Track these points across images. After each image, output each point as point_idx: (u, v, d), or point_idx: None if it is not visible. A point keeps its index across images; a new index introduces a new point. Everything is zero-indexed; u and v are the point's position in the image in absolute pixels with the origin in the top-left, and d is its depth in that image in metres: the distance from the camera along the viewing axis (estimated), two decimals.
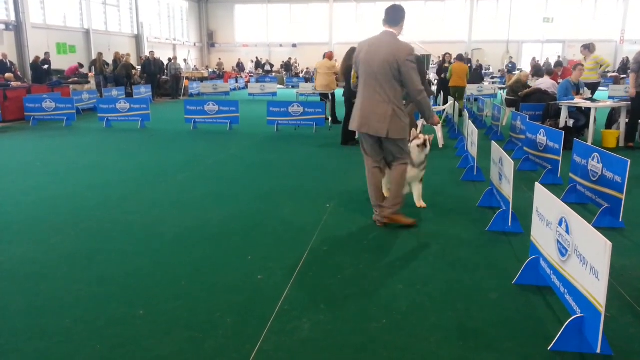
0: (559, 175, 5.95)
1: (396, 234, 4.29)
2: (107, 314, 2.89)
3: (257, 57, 34.66)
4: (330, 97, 11.85)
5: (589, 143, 6.74)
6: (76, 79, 17.31)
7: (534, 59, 28.78)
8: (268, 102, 11.40)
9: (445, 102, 13.14)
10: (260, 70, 32.73)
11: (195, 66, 32.58)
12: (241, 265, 3.61)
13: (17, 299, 3.08)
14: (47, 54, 18.41)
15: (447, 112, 11.11)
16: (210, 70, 30.51)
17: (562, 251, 2.78)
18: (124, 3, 28.51)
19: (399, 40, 4.10)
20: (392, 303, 3.04)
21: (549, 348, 2.52)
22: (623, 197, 4.27)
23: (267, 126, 11.03)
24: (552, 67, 16.58)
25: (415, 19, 34.28)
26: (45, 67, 17.80)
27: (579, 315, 2.49)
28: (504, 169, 4.46)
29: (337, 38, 34.76)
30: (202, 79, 25.17)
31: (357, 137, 6.27)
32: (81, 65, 19.41)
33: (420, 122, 8.99)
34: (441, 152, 8.32)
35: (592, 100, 9.17)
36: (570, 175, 5.35)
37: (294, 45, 36.64)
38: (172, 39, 33.82)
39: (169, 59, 21.78)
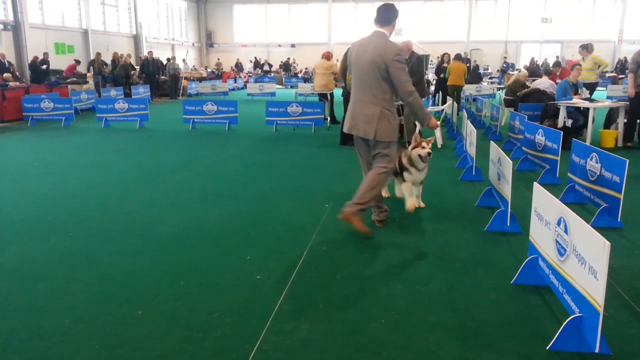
0: (557, 175, 5.95)
1: (395, 234, 4.29)
2: (107, 314, 2.89)
3: (255, 57, 34.66)
4: (328, 97, 11.86)
5: (588, 143, 6.76)
6: (74, 79, 17.29)
7: (532, 59, 28.85)
8: (267, 102, 11.39)
9: (444, 102, 13.16)
10: (259, 70, 32.72)
11: (194, 66, 32.56)
12: (240, 265, 3.61)
13: (16, 299, 3.08)
14: (45, 54, 18.38)
15: (445, 112, 11.11)
16: (208, 70, 30.49)
17: (561, 251, 2.78)
18: (122, 3, 28.49)
19: (387, 40, 3.98)
20: (392, 303, 3.04)
21: (547, 348, 2.52)
22: (621, 196, 4.28)
23: (266, 126, 11.03)
24: (551, 67, 16.60)
25: (414, 19, 34.35)
26: (44, 67, 17.77)
27: (578, 314, 2.50)
28: (502, 169, 4.46)
29: (335, 38, 34.77)
30: (201, 79, 25.16)
31: None
32: (78, 62, 19.38)
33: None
34: (440, 152, 8.33)
35: (590, 100, 9.18)
36: (569, 175, 5.36)
37: (293, 46, 36.65)
38: (171, 39, 33.79)
39: (168, 59, 21.77)
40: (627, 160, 4.22)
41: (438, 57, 17.67)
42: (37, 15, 21.85)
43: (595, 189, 4.76)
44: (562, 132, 6.01)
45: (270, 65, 33.73)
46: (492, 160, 5.02)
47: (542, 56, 31.70)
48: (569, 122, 8.89)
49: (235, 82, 27.10)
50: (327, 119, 11.68)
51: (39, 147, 9.04)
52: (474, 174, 6.23)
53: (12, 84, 13.87)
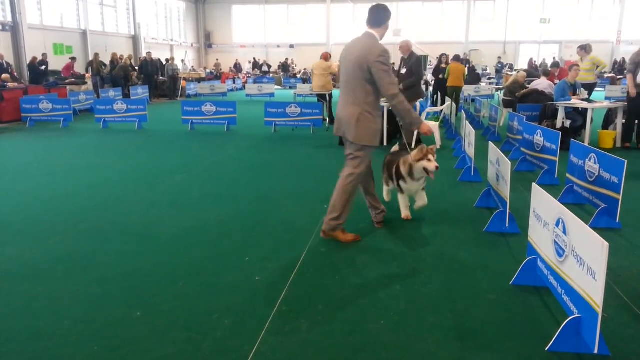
0: (556, 176, 5.96)
1: (394, 235, 4.29)
2: (106, 314, 2.89)
3: (254, 58, 34.66)
4: (327, 97, 11.86)
5: (586, 144, 6.77)
6: (73, 79, 17.28)
7: (531, 59, 28.89)
8: (265, 103, 11.40)
9: (442, 102, 13.17)
10: (258, 71, 32.71)
11: (192, 67, 32.55)
12: (239, 266, 3.61)
13: (15, 300, 3.07)
14: (44, 54, 18.37)
15: (444, 113, 11.12)
16: (207, 71, 30.48)
17: (560, 252, 2.79)
18: (121, 4, 28.47)
19: (373, 41, 3.88)
20: (391, 303, 3.04)
21: (546, 348, 2.52)
22: (620, 197, 4.29)
23: (265, 127, 11.03)
24: (549, 67, 16.62)
25: (413, 20, 34.37)
26: (43, 68, 17.76)
27: (577, 315, 2.50)
28: (501, 170, 4.47)
29: (334, 39, 34.78)
30: (200, 80, 25.15)
31: None
32: (74, 59, 19.42)
33: None
34: (439, 153, 8.27)
35: (588, 100, 9.20)
36: (567, 175, 5.37)
37: (292, 46, 36.67)
38: (170, 40, 33.78)
39: (167, 60, 21.76)
40: (626, 161, 4.23)
41: (437, 58, 17.69)
42: (35, 15, 21.82)
43: (593, 189, 4.76)
44: (560, 132, 6.02)
45: (269, 66, 33.74)
46: (491, 161, 5.02)
47: (541, 57, 31.75)
48: (568, 123, 8.91)
49: (234, 82, 27.11)
50: (325, 119, 11.69)
51: (37, 148, 9.03)
52: (472, 174, 6.24)
53: (10, 84, 13.86)
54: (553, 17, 32.81)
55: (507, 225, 4.30)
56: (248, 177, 6.64)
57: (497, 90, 17.36)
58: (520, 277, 3.30)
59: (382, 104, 8.96)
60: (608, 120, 9.60)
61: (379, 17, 3.94)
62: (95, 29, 26.04)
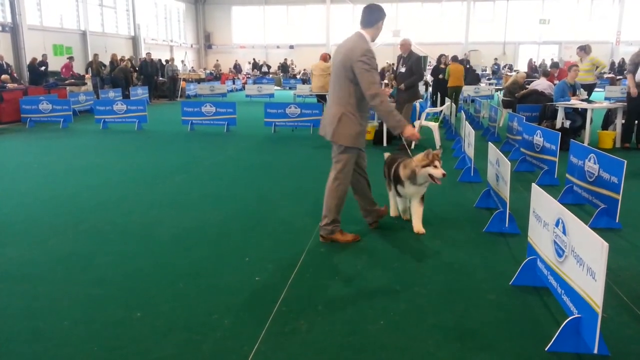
0: (555, 176, 5.96)
1: (394, 236, 4.29)
2: (106, 315, 2.89)
3: (254, 59, 34.66)
4: (327, 98, 11.85)
5: (586, 144, 6.77)
6: (73, 80, 17.28)
7: (530, 60, 28.90)
8: (265, 104, 11.41)
9: (442, 103, 13.18)
10: (258, 72, 32.72)
11: (192, 67, 32.56)
12: (239, 267, 3.61)
13: (14, 301, 3.07)
14: (44, 55, 18.37)
15: (444, 114, 11.12)
16: (207, 71, 30.48)
17: (559, 252, 2.79)
18: (120, 4, 28.47)
19: (359, 41, 3.81)
20: (390, 304, 3.04)
21: (546, 349, 2.52)
22: (619, 197, 4.29)
23: (265, 127, 11.03)
24: (548, 68, 16.63)
25: (412, 21, 34.39)
26: (42, 68, 17.76)
27: (576, 315, 2.50)
28: (500, 170, 4.47)
29: (334, 39, 34.75)
30: (199, 81, 25.15)
31: None
32: (71, 58, 19.47)
33: (418, 123, 9.01)
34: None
35: (588, 101, 9.20)
36: (567, 176, 5.37)
37: (291, 47, 36.67)
38: (169, 41, 33.79)
39: (166, 61, 21.77)
40: (625, 161, 4.23)
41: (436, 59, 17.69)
42: (35, 16, 21.82)
43: (593, 190, 4.77)
44: (560, 133, 6.02)
45: (269, 67, 33.74)
46: (491, 162, 5.02)
47: (540, 57, 31.77)
48: (567, 123, 8.91)
49: (234, 83, 27.11)
50: None
51: (37, 148, 9.03)
52: (472, 175, 6.24)
53: (10, 85, 13.85)
54: (552, 17, 32.83)
55: (506, 225, 4.30)
56: (248, 177, 6.64)
57: (497, 90, 17.37)
58: (520, 278, 3.30)
59: None
60: (607, 120, 9.61)
61: (370, 17, 3.89)
62: (95, 29, 26.03)
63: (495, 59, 30.63)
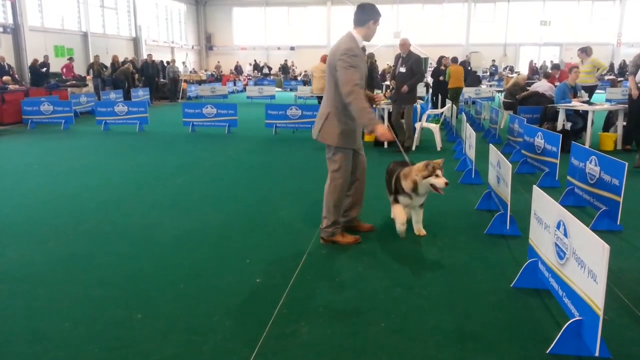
0: (556, 178, 5.96)
1: (394, 238, 4.28)
2: (106, 316, 2.89)
3: (255, 60, 34.70)
4: None
5: (587, 146, 6.75)
6: (74, 82, 17.31)
7: (531, 61, 28.92)
8: (266, 105, 11.41)
9: (442, 105, 13.18)
10: (259, 73, 32.75)
11: (193, 69, 32.59)
12: (240, 268, 3.61)
13: (15, 302, 3.07)
14: (45, 57, 18.40)
15: (445, 115, 11.12)
16: (208, 73, 30.51)
17: (560, 254, 2.78)
18: (121, 6, 28.52)
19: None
20: (391, 306, 3.04)
21: (547, 351, 2.52)
22: (621, 199, 4.28)
23: (266, 129, 11.04)
24: (549, 70, 16.64)
25: (413, 22, 34.41)
26: (44, 70, 17.79)
27: (578, 318, 2.49)
28: (501, 172, 4.46)
29: (334, 41, 34.62)
30: (200, 82, 25.17)
31: None
32: (71, 59, 19.52)
33: (419, 125, 9.01)
34: (439, 155, 8.32)
35: (589, 103, 9.20)
36: (568, 178, 5.36)
37: (292, 48, 36.70)
38: (170, 42, 33.83)
39: (167, 62, 21.79)
40: (626, 163, 4.23)
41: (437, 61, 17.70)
42: (36, 18, 21.85)
43: (594, 192, 4.76)
44: (561, 135, 6.02)
45: (270, 68, 33.77)
46: (492, 163, 5.02)
47: (541, 59, 31.79)
48: (568, 125, 8.91)
49: (235, 85, 27.12)
50: None
51: (38, 149, 9.04)
52: (473, 177, 6.24)
53: (11, 86, 13.88)
54: (553, 19, 32.83)
55: (507, 227, 4.30)
56: (248, 178, 6.64)
57: (498, 92, 17.36)
58: (521, 280, 3.29)
59: (384, 105, 9.01)
60: (609, 122, 9.59)
61: (361, 16, 3.88)
62: (96, 31, 26.07)
63: (493, 60, 30.57)
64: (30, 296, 3.15)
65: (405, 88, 8.18)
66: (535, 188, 3.32)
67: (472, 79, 17.48)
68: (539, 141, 6.49)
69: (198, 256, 3.85)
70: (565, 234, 2.71)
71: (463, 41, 34.18)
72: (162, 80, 20.79)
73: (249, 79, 30.73)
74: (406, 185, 4.02)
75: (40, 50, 19.70)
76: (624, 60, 28.68)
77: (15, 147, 9.34)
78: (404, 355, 2.52)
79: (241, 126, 11.47)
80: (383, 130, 3.68)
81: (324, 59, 12.05)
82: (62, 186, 6.14)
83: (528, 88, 11.61)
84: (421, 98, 13.64)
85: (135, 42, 29.57)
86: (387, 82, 15.23)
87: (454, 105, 12.99)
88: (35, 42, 20.82)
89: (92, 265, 3.66)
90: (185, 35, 36.21)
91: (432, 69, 16.68)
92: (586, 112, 8.71)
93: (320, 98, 11.94)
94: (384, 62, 24.14)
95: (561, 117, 8.95)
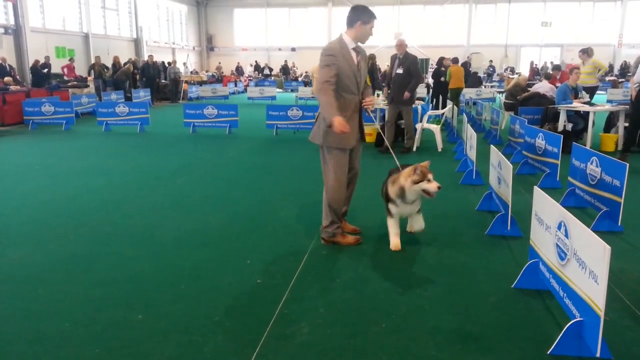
0: (557, 179, 5.95)
1: None
2: (107, 317, 2.89)
3: (256, 61, 34.73)
4: None
5: (588, 147, 6.75)
6: (75, 82, 17.33)
7: (531, 62, 28.92)
8: (267, 106, 11.41)
9: (443, 105, 13.18)
10: (260, 74, 32.77)
11: (194, 70, 32.61)
12: (240, 269, 3.61)
13: (15, 303, 3.08)
14: (46, 57, 18.43)
15: (445, 116, 11.12)
16: (209, 74, 30.54)
17: (561, 255, 2.78)
18: (123, 7, 28.55)
19: (331, 41, 3.96)
20: (392, 307, 3.04)
21: (548, 352, 2.52)
22: (622, 200, 4.28)
23: (266, 130, 11.04)
24: (550, 70, 16.64)
25: (414, 23, 34.44)
26: (45, 70, 17.81)
27: (579, 319, 2.49)
28: (502, 173, 4.46)
29: None
30: (201, 83, 25.19)
31: None
32: (72, 60, 19.56)
33: (419, 126, 9.01)
34: (440, 156, 8.33)
35: (590, 104, 9.19)
36: (569, 179, 5.36)
37: (293, 49, 36.71)
38: (172, 43, 33.86)
39: (168, 63, 21.81)
40: (627, 164, 4.22)
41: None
42: (38, 19, 21.88)
43: (595, 192, 4.76)
44: (562, 135, 6.01)
45: (271, 69, 33.79)
46: (493, 164, 5.02)
47: (542, 60, 31.79)
48: (569, 126, 8.90)
49: (236, 85, 27.15)
50: None
51: (39, 150, 9.05)
52: (474, 177, 6.23)
53: (13, 87, 13.90)
54: (554, 20, 32.82)
55: (508, 228, 4.30)
56: (249, 179, 6.64)
57: (499, 93, 17.36)
58: (522, 280, 3.29)
59: (382, 106, 9.01)
60: (610, 123, 9.59)
61: (351, 17, 3.90)
62: (97, 32, 26.10)
63: (490, 61, 30.48)
64: (31, 296, 3.15)
65: (407, 94, 8.19)
66: (536, 189, 3.32)
67: (473, 80, 17.50)
68: (540, 142, 6.48)
69: (199, 257, 3.85)
70: (566, 235, 2.71)
71: (464, 42, 34.18)
72: (163, 81, 20.81)
73: (250, 79, 30.76)
74: (392, 191, 3.84)
75: (41, 51, 19.72)
76: (625, 61, 28.69)
77: (16, 147, 9.36)
78: (404, 356, 2.52)
79: (242, 127, 11.48)
80: (338, 121, 3.63)
81: None
82: (63, 187, 6.14)
83: (529, 89, 11.62)
84: (422, 99, 13.66)
85: (137, 43, 29.59)
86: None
87: (455, 105, 13.00)
88: (37, 43, 20.85)
89: (92, 265, 3.66)
90: (187, 36, 36.24)
91: (433, 69, 16.68)
92: (587, 113, 8.70)
93: None
94: (385, 63, 24.12)
95: (562, 118, 8.95)
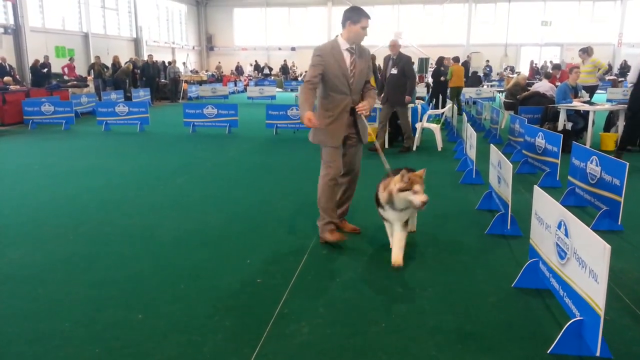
0: (557, 178, 5.95)
1: None
2: (106, 317, 2.89)
3: (256, 61, 34.72)
4: None
5: (588, 146, 6.75)
6: (75, 82, 17.32)
7: (531, 62, 28.89)
8: (267, 106, 11.41)
9: (443, 105, 13.18)
10: (259, 74, 32.76)
11: (194, 69, 32.60)
12: (240, 269, 3.61)
13: (15, 303, 3.07)
14: (46, 57, 18.42)
15: (445, 116, 11.12)
16: (209, 73, 30.53)
17: (561, 254, 2.78)
18: (122, 7, 28.54)
19: (325, 42, 4.06)
20: (392, 306, 3.04)
21: (548, 351, 2.52)
22: (622, 200, 4.28)
23: (266, 129, 11.04)
24: (550, 70, 16.63)
25: (414, 23, 34.43)
26: (45, 70, 17.80)
27: (579, 318, 2.49)
28: (502, 172, 4.46)
29: None
30: (201, 83, 25.18)
31: None
32: (72, 59, 19.56)
33: (419, 125, 9.00)
34: (440, 155, 8.33)
35: (590, 103, 9.19)
36: (569, 178, 5.36)
37: (293, 49, 36.70)
38: (171, 43, 33.85)
39: (168, 63, 21.80)
40: (627, 163, 4.22)
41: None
42: (37, 18, 21.87)
43: (595, 192, 4.76)
44: (562, 135, 6.01)
45: (271, 69, 33.78)
46: (492, 164, 5.01)
47: (542, 59, 31.77)
48: (569, 125, 8.90)
49: (236, 85, 27.13)
50: None
51: (39, 150, 9.05)
52: (474, 177, 6.23)
53: (12, 87, 13.90)
54: (554, 19, 32.81)
55: (508, 227, 4.29)
56: (249, 179, 6.64)
57: (498, 92, 17.36)
58: (521, 280, 3.29)
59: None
60: (610, 122, 9.58)
61: (343, 18, 3.94)
62: (97, 31, 26.09)
63: (487, 60, 30.42)
64: (31, 296, 3.15)
65: (408, 98, 8.20)
66: (536, 188, 3.32)
67: (473, 79, 17.50)
68: (540, 141, 6.48)
69: (198, 256, 3.85)
70: (566, 234, 2.70)
71: (464, 41, 34.16)
72: (162, 80, 20.80)
73: (250, 79, 30.74)
74: (383, 197, 3.60)
75: (41, 51, 19.71)
76: (625, 61, 28.67)
77: (15, 147, 9.35)
78: (404, 356, 2.52)
79: (242, 126, 11.47)
80: (307, 117, 3.71)
81: None
82: (63, 186, 6.14)
83: (529, 88, 11.62)
84: (422, 98, 13.65)
85: (136, 42, 29.59)
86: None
87: (455, 104, 13.00)
88: (36, 43, 20.84)
89: (92, 265, 3.66)
90: (186, 35, 36.23)
91: (433, 69, 16.67)
92: (587, 112, 8.70)
93: None
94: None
95: (562, 117, 8.94)
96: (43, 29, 22.12)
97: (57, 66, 19.88)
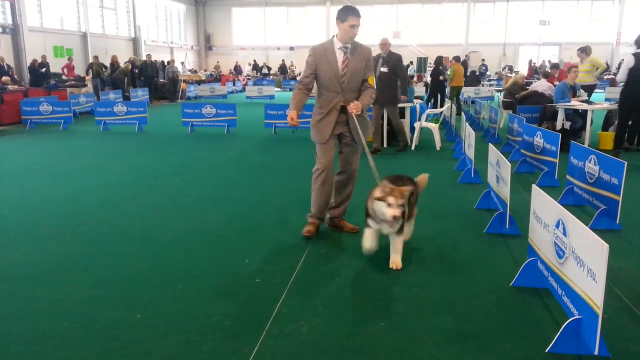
0: (556, 178, 5.96)
1: None
2: (105, 317, 2.89)
3: (254, 60, 34.69)
4: None
5: (586, 145, 6.76)
6: (73, 82, 17.30)
7: (530, 61, 28.90)
8: (265, 105, 11.41)
9: (442, 104, 13.19)
10: (258, 73, 32.74)
11: (193, 69, 32.57)
12: (239, 268, 3.61)
13: (14, 303, 3.07)
14: (43, 56, 18.39)
15: (444, 115, 11.12)
16: (207, 73, 30.50)
17: (560, 253, 2.79)
18: (121, 6, 28.50)
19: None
20: (390, 305, 3.04)
21: (546, 350, 2.52)
22: (620, 199, 4.29)
23: (265, 129, 11.04)
24: (548, 69, 16.64)
25: (413, 22, 34.42)
26: (43, 70, 17.77)
27: (577, 317, 2.50)
28: (501, 171, 4.47)
29: None
30: (200, 82, 25.16)
31: None
32: (70, 59, 19.55)
33: (418, 124, 9.00)
34: (438, 155, 8.33)
35: (588, 102, 9.20)
36: (567, 177, 5.37)
37: (292, 48, 36.67)
38: (170, 42, 33.81)
39: (167, 62, 21.78)
40: (626, 163, 4.23)
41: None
42: (35, 18, 21.84)
43: (593, 191, 4.76)
44: (560, 134, 6.02)
45: (269, 68, 33.75)
46: (491, 163, 5.02)
47: (540, 58, 31.79)
48: (568, 125, 8.91)
49: (234, 85, 27.12)
50: None
51: (37, 150, 9.04)
52: (472, 176, 6.24)
53: (10, 87, 13.87)
54: (552, 18, 32.83)
55: (507, 226, 4.30)
56: (248, 178, 6.64)
57: (497, 91, 17.38)
58: (520, 279, 3.30)
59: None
60: (608, 121, 9.59)
61: (336, 18, 4.05)
62: (96, 31, 26.06)
63: (483, 60, 30.35)
64: (30, 296, 3.15)
65: (404, 97, 8.20)
66: (535, 187, 3.33)
67: (472, 78, 17.53)
68: (538, 140, 6.49)
69: (197, 256, 3.85)
70: (565, 233, 2.71)
71: (462, 41, 34.15)
72: (161, 80, 20.78)
73: (248, 79, 30.71)
74: (369, 205, 3.52)
75: (39, 51, 19.67)
76: (623, 60, 28.67)
77: (14, 147, 9.34)
78: (403, 355, 2.52)
79: (240, 126, 11.47)
80: (291, 115, 4.04)
81: None
82: (62, 186, 6.14)
83: (527, 87, 11.63)
84: (420, 98, 13.65)
85: (135, 42, 29.55)
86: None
87: (454, 103, 13.01)
88: (35, 43, 20.80)
89: (91, 265, 3.66)
90: (185, 35, 36.20)
91: (431, 68, 16.69)
92: (585, 111, 8.71)
93: None
94: None
95: (560, 116, 8.95)
96: (41, 28, 22.08)
97: (55, 66, 19.84)
